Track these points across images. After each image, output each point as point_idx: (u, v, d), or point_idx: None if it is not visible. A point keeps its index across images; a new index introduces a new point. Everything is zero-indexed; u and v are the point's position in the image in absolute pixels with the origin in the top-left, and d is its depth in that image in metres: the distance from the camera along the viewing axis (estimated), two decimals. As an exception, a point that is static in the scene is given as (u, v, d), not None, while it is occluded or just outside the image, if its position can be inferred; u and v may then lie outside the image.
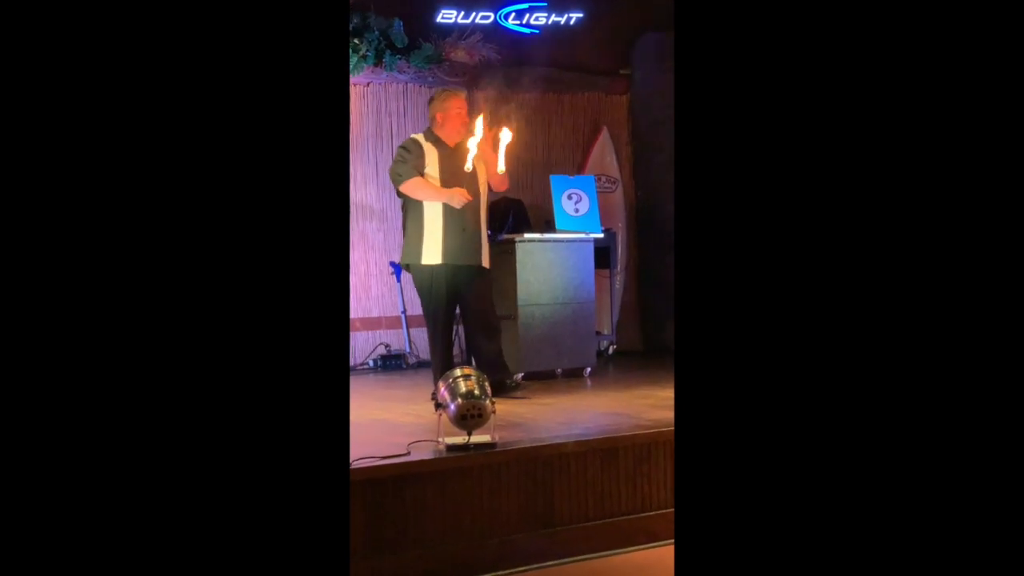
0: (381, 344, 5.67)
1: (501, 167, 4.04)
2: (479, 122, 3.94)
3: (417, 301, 5.76)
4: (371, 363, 5.55)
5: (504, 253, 4.61)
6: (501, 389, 4.10)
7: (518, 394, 4.14)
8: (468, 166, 3.97)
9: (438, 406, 2.99)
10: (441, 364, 4.00)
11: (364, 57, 5.32)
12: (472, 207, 4.05)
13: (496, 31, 5.74)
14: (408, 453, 2.87)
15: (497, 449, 2.94)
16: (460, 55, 5.59)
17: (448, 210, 4.00)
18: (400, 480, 2.76)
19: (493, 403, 2.97)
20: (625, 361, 5.72)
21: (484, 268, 4.16)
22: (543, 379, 4.62)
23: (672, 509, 2.93)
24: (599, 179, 5.91)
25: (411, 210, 4.09)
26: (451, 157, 4.07)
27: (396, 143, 5.73)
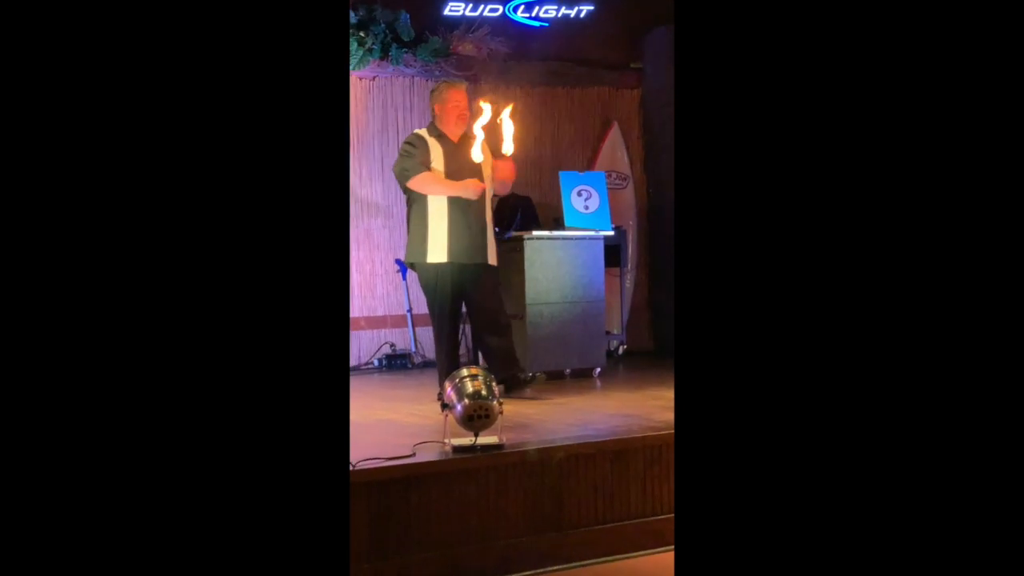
0: (386, 343, 5.60)
1: (508, 148, 3.86)
2: (485, 107, 3.81)
3: (423, 300, 5.71)
4: (376, 363, 5.49)
5: (512, 251, 4.54)
6: (516, 385, 4.04)
7: (527, 394, 4.07)
8: (477, 154, 3.87)
9: (444, 407, 2.94)
10: (447, 364, 3.92)
11: (370, 51, 5.26)
12: (477, 204, 3.97)
13: (504, 24, 5.66)
14: (414, 454, 2.84)
15: (504, 451, 2.89)
16: (467, 48, 5.52)
17: (453, 207, 3.92)
18: (405, 482, 2.72)
19: (500, 404, 2.93)
20: (635, 361, 5.65)
21: (491, 266, 4.08)
22: (551, 379, 4.54)
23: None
24: (609, 175, 5.82)
25: (415, 207, 4.01)
26: (456, 151, 4.00)
27: (402, 138, 5.66)
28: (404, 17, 5.35)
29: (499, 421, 2.92)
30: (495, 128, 3.87)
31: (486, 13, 5.60)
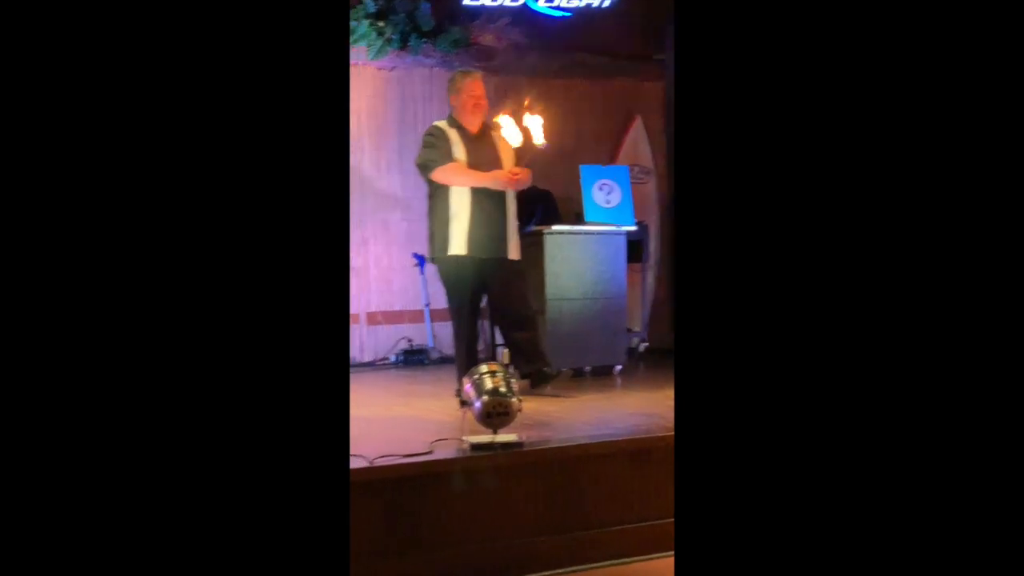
0: (403, 338, 5.54)
1: (539, 139, 3.78)
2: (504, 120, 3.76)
3: (441, 295, 5.65)
4: (393, 358, 5.44)
5: (532, 246, 4.47)
6: (541, 379, 3.97)
7: (547, 391, 3.99)
8: (509, 136, 3.77)
9: (463, 403, 2.88)
10: (465, 359, 3.85)
11: (389, 41, 5.20)
12: (499, 196, 3.90)
13: (525, 14, 5.58)
14: (431, 452, 2.78)
15: (523, 449, 2.83)
16: (488, 39, 5.45)
17: (475, 199, 3.85)
18: (423, 479, 2.67)
19: (520, 401, 2.86)
20: (657, 359, 5.56)
21: (513, 260, 4.00)
22: (571, 377, 4.46)
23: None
24: (632, 169, 5.73)
25: (437, 200, 3.94)
26: (476, 141, 3.93)
27: (421, 130, 5.58)
28: (424, 7, 5.29)
29: (518, 419, 2.86)
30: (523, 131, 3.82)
31: (507, 3, 5.53)
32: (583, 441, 3.00)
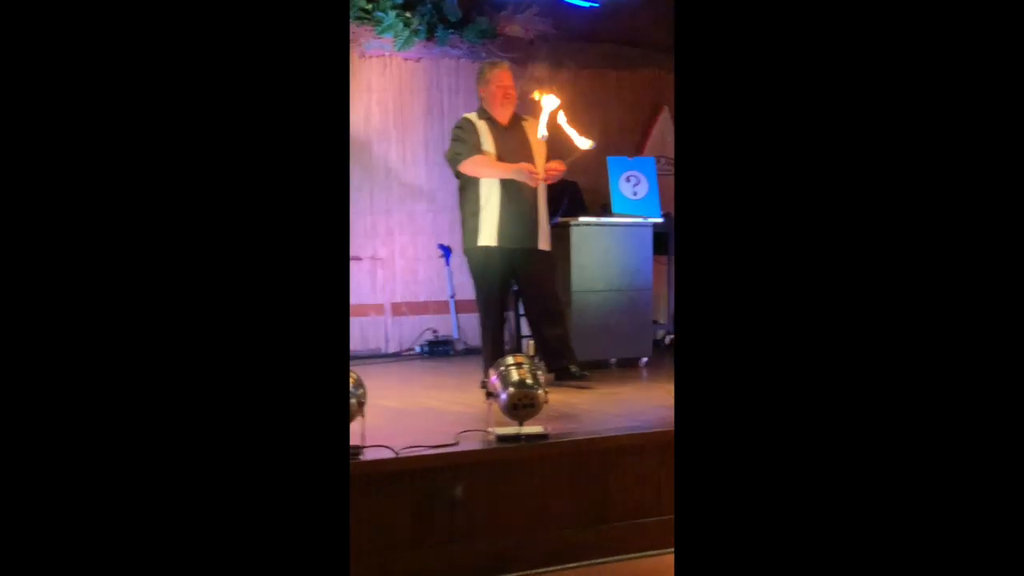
0: (428, 329, 5.55)
1: (584, 142, 3.78)
2: (548, 100, 3.73)
3: (466, 286, 5.65)
4: (418, 349, 5.45)
5: (558, 237, 4.45)
6: (565, 376, 3.96)
7: (573, 384, 3.98)
8: (542, 129, 3.76)
9: (489, 395, 2.87)
10: (492, 351, 3.85)
11: (416, 31, 5.19)
12: (529, 187, 3.88)
13: (553, 4, 5.54)
14: (457, 443, 2.78)
15: (549, 441, 2.82)
16: (515, 29, 5.42)
17: (505, 190, 3.84)
18: (449, 470, 2.68)
19: (546, 393, 2.85)
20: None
21: (543, 250, 3.99)
22: (596, 368, 4.45)
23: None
24: (659, 161, 5.68)
25: (467, 192, 3.94)
26: (505, 133, 3.91)
27: (447, 121, 5.59)
28: (451, -3, 5.27)
29: (544, 410, 2.85)
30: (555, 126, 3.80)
31: (534, -7, 5.49)
32: (609, 433, 2.99)
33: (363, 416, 2.66)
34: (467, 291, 5.65)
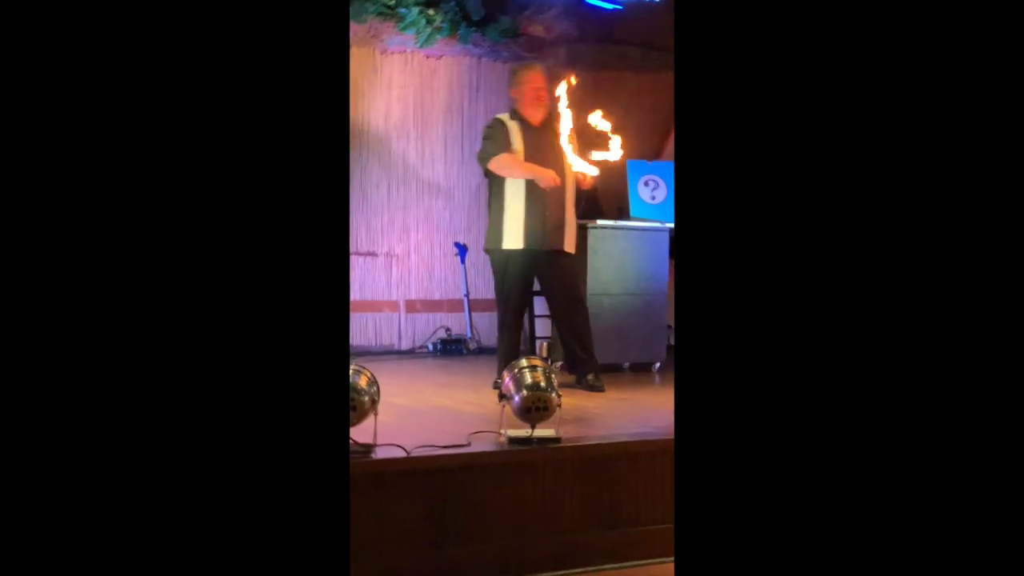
0: (442, 327, 5.54)
1: (591, 171, 3.83)
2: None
3: (481, 285, 5.64)
4: (430, 347, 5.44)
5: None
6: (580, 384, 3.97)
7: (586, 388, 3.97)
8: (565, 142, 3.76)
9: (502, 396, 2.86)
10: (507, 353, 3.84)
11: (438, 29, 5.18)
12: (554, 190, 3.87)
13: (577, 5, 5.52)
14: (469, 444, 2.76)
15: (561, 445, 2.80)
16: (537, 29, 5.40)
17: (531, 192, 3.83)
18: (460, 471, 2.67)
19: (559, 396, 2.83)
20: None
21: (568, 253, 3.97)
22: (610, 372, 4.43)
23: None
24: (677, 166, 5.67)
25: (495, 192, 3.94)
26: (536, 135, 3.90)
27: (467, 119, 5.59)
28: (475, -5, 5.26)
29: (557, 414, 2.84)
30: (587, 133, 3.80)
31: (558, -6, 5.48)
32: (621, 439, 2.98)
33: (376, 414, 2.65)
34: (481, 290, 5.65)
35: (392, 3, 5.14)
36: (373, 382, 2.68)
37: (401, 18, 5.17)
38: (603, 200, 5.36)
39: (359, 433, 2.62)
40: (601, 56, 5.61)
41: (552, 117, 3.87)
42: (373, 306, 5.45)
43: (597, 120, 3.76)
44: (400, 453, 2.60)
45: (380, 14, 5.11)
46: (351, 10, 4.80)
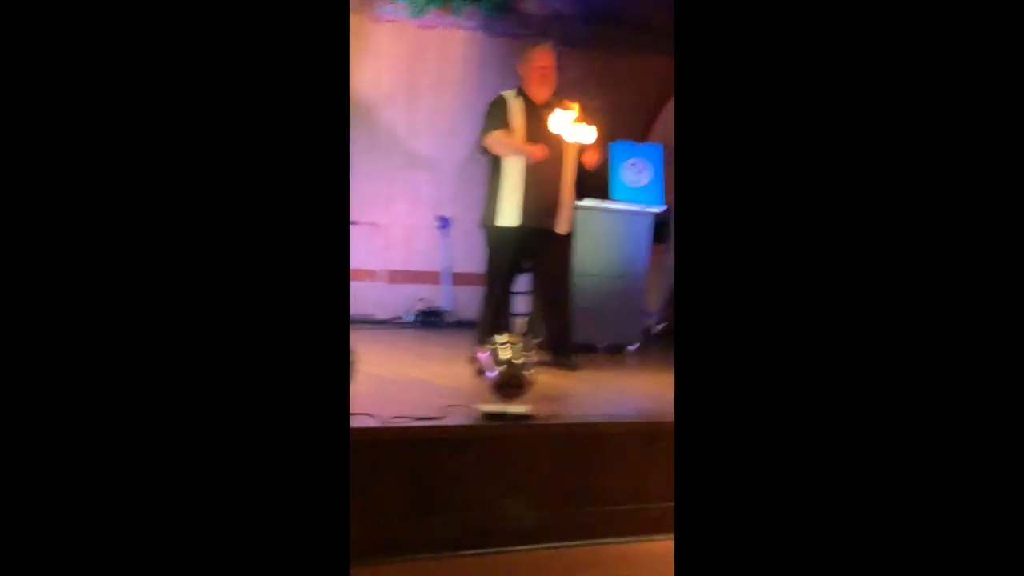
0: (421, 299, 5.55)
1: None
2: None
3: (462, 258, 5.64)
4: (409, 318, 5.44)
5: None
6: (556, 363, 4.01)
7: (561, 366, 4.00)
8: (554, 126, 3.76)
9: (478, 371, 2.87)
10: (489, 328, 3.86)
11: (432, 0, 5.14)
12: (553, 168, 3.88)
13: (571, -17, 5.49)
14: (443, 417, 2.79)
15: (534, 422, 2.83)
16: (530, 5, 5.37)
17: (529, 171, 3.86)
18: (433, 444, 2.68)
19: (534, 373, 2.86)
20: (672, 342, 5.53)
21: (560, 234, 3.99)
22: (585, 352, 4.46)
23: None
24: (665, 149, 5.66)
25: (493, 170, 3.97)
26: (539, 114, 3.90)
27: (457, 92, 5.56)
28: (469, -33, 5.22)
29: (531, 391, 2.86)
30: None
31: (553, -29, 5.45)
32: (593, 419, 3.02)
33: (351, 383, 2.66)
34: (462, 264, 5.65)
35: (386, -29, 5.10)
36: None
37: (396, -14, 5.13)
38: (587, 181, 5.37)
39: (334, 401, 2.63)
40: (593, 36, 5.59)
41: (557, 97, 3.87)
42: (354, 274, 5.42)
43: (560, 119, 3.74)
44: (373, 423, 2.61)
45: (374, -19, 5.07)
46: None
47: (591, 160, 3.93)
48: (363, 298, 5.50)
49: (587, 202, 4.64)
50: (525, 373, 2.82)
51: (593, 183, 5.31)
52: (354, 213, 5.40)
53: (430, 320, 5.43)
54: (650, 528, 2.90)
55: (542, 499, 2.80)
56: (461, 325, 5.38)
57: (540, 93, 3.92)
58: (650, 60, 5.88)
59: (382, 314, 5.53)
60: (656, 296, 5.60)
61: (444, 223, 5.49)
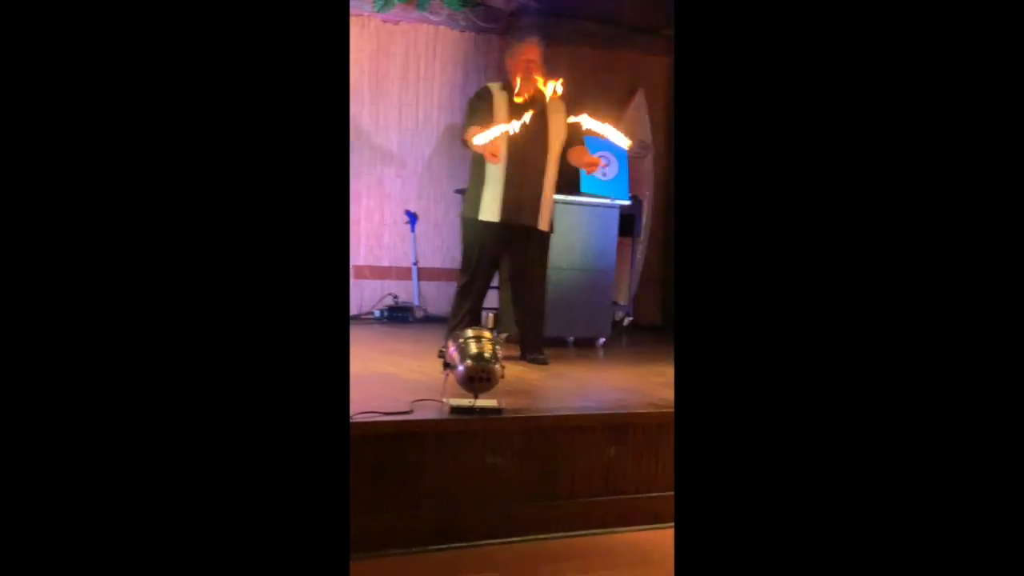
0: (389, 294, 5.53)
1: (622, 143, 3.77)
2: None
3: (429, 253, 5.63)
4: (377, 313, 5.43)
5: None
6: (525, 357, 4.03)
7: (530, 361, 4.01)
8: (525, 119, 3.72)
9: (446, 366, 2.87)
10: (460, 322, 3.85)
11: (397, -7, 5.12)
12: (535, 166, 3.86)
13: (536, -23, 5.50)
14: (411, 411, 2.78)
15: (503, 416, 2.83)
16: (497, 0, 5.36)
17: (511, 167, 3.82)
18: (401, 438, 2.68)
19: (503, 367, 2.86)
20: (641, 335, 5.59)
21: (541, 231, 3.99)
22: (554, 347, 4.48)
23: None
24: (632, 144, 5.69)
25: (474, 164, 3.95)
26: (522, 108, 3.84)
27: (423, 87, 5.55)
28: (434, -38, 5.20)
29: (500, 385, 2.86)
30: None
31: (518, -35, 5.45)
32: (561, 412, 3.01)
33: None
34: (430, 259, 5.65)
35: (350, -35, 5.06)
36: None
37: (360, -20, 5.10)
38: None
39: (301, 398, 2.62)
40: (558, 29, 5.60)
41: (543, 93, 3.85)
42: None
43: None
44: (342, 419, 2.60)
45: (338, -25, 5.03)
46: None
47: (592, 166, 3.92)
48: (331, 294, 5.48)
49: (559, 196, 4.65)
50: (493, 367, 2.82)
51: (565, 177, 5.33)
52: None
53: (399, 315, 5.41)
54: (621, 520, 2.93)
55: (510, 493, 2.81)
56: (430, 320, 5.38)
57: (525, 87, 3.87)
58: (616, 54, 5.91)
59: (351, 310, 5.50)
60: (624, 289, 5.63)
61: (412, 218, 5.48)
